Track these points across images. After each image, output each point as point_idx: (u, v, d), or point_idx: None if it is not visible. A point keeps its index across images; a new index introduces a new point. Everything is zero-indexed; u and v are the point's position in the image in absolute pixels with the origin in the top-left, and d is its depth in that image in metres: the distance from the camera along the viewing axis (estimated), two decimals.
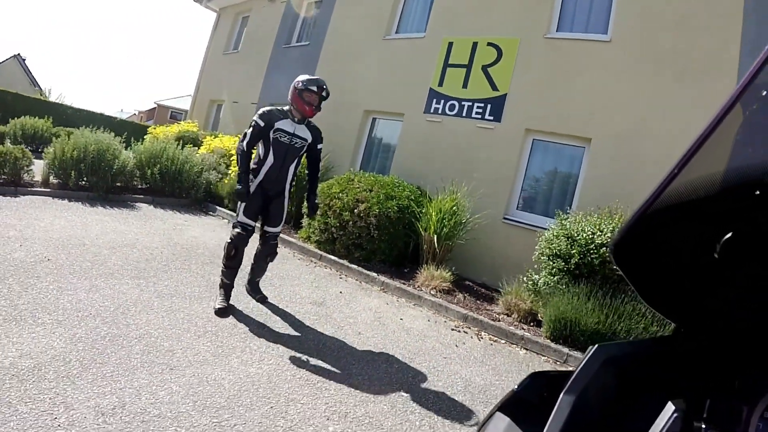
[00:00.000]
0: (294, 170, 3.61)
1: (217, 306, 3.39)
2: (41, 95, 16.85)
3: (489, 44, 6.75)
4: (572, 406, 0.86)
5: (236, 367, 2.63)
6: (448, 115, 7.01)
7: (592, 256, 4.40)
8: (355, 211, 5.68)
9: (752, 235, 0.77)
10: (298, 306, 3.91)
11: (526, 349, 4.11)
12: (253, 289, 3.89)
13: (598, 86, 5.82)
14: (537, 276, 4.90)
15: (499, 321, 4.51)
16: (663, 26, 5.48)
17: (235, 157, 8.32)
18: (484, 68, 6.73)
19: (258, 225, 3.59)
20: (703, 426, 0.79)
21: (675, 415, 0.80)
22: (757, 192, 0.70)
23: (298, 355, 3.00)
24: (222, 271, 3.52)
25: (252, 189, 3.49)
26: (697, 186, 0.74)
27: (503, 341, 4.21)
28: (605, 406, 0.93)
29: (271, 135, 3.44)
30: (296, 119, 3.50)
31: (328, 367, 2.92)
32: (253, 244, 3.75)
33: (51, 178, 6.28)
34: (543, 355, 4.04)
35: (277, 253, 3.76)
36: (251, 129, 3.45)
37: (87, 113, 16.16)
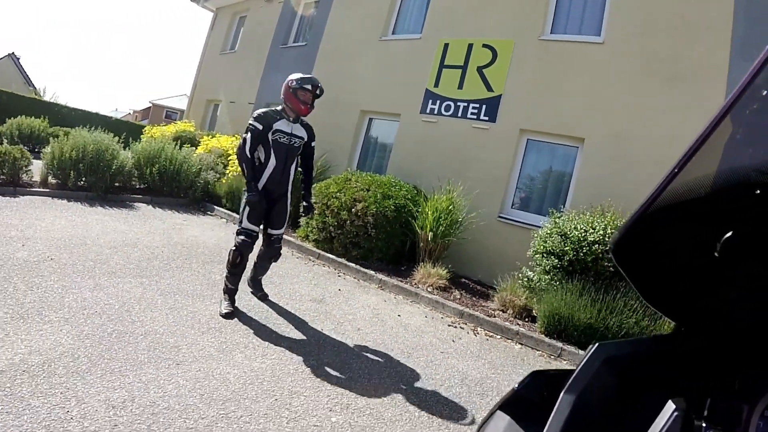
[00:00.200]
0: (294, 170, 3.64)
1: (224, 311, 3.39)
2: (36, 94, 16.78)
3: (484, 46, 6.85)
4: (572, 405, 0.86)
5: (240, 362, 2.71)
6: (444, 115, 7.11)
7: (584, 253, 4.50)
8: (353, 210, 5.76)
9: (752, 234, 0.77)
10: (298, 303, 3.99)
11: (521, 344, 4.21)
12: (255, 287, 3.93)
13: (591, 87, 5.93)
14: (531, 273, 5.00)
15: (494, 317, 4.61)
16: (654, 30, 5.60)
17: (233, 158, 8.40)
18: (480, 69, 6.83)
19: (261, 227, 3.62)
20: (704, 425, 0.79)
21: (675, 414, 0.80)
22: (758, 191, 0.70)
23: (299, 350, 3.08)
24: (226, 276, 3.51)
25: None
26: (697, 185, 0.74)
27: (499, 336, 4.31)
28: (605, 405, 0.93)
29: (270, 137, 3.44)
30: (291, 118, 3.51)
31: (329, 361, 3.01)
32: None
33: (50, 178, 6.32)
34: (537, 350, 4.14)
35: (281, 255, 3.81)
36: (250, 134, 3.40)
37: (82, 113, 16.13)
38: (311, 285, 4.68)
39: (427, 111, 7.31)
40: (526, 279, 5.03)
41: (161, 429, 1.98)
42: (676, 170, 0.72)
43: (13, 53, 23.81)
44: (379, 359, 3.22)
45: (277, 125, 3.46)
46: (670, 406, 0.81)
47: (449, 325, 4.36)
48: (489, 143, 6.58)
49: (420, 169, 7.02)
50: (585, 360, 0.95)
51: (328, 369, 2.89)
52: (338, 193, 5.99)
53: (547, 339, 4.21)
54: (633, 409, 0.92)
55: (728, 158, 0.74)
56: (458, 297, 5.14)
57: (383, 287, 5.16)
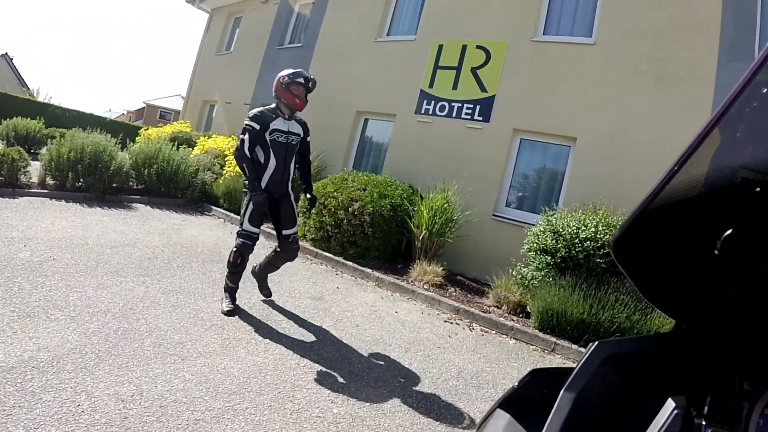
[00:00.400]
0: (294, 168, 3.63)
1: (226, 308, 3.44)
2: (30, 95, 16.73)
3: (478, 47, 6.96)
4: (572, 403, 0.86)
5: (243, 357, 2.79)
6: (439, 115, 7.21)
7: (577, 250, 4.62)
8: (350, 209, 5.85)
9: (752, 232, 0.77)
10: (297, 301, 4.07)
11: (516, 339, 4.32)
12: (262, 285, 3.89)
13: (583, 88, 6.05)
14: (525, 270, 5.11)
15: (489, 313, 4.72)
16: (644, 32, 5.73)
17: (230, 158, 8.46)
18: (473, 70, 6.94)
19: (266, 230, 3.63)
20: (704, 423, 0.79)
21: (675, 411, 0.79)
22: (758, 189, 0.71)
23: (300, 345, 3.17)
24: (227, 275, 3.56)
25: None
26: (697, 183, 0.74)
27: (494, 332, 4.42)
28: (606, 403, 0.93)
29: (268, 137, 3.42)
30: (286, 115, 3.49)
31: (330, 356, 3.10)
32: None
33: (47, 179, 6.35)
34: (532, 345, 4.25)
35: (297, 255, 3.79)
36: (248, 134, 3.37)
37: (76, 113, 16.09)
38: (310, 283, 4.76)
39: (422, 111, 7.41)
40: (520, 276, 5.14)
41: (170, 421, 2.06)
42: (676, 168, 0.71)
43: (6, 54, 23.67)
44: (378, 354, 3.31)
45: (273, 124, 3.43)
46: (670, 404, 0.81)
47: (445, 321, 4.45)
48: (483, 143, 6.69)
49: (415, 169, 7.12)
50: (585, 358, 0.94)
51: (328, 363, 2.98)
52: (335, 193, 6.07)
53: (541, 334, 4.32)
54: (633, 407, 0.92)
55: (728, 156, 0.74)
56: (454, 294, 5.24)
57: (380, 285, 5.25)
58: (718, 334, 0.98)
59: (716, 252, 0.78)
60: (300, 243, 6.08)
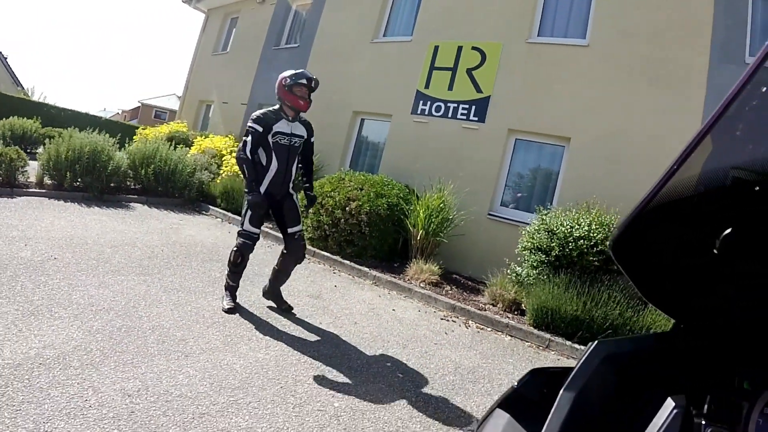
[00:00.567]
0: (295, 169, 3.64)
1: (226, 306, 3.49)
2: (24, 95, 16.65)
3: (473, 48, 7.04)
4: (572, 402, 0.86)
5: (245, 353, 2.85)
6: (435, 116, 7.29)
7: (570, 248, 4.71)
8: (347, 209, 5.91)
9: (751, 231, 0.77)
10: (296, 299, 4.13)
11: (511, 336, 4.40)
12: (276, 299, 3.80)
13: (577, 89, 6.15)
14: (520, 268, 5.20)
15: (485, 310, 4.80)
16: (638, 34, 5.83)
17: (227, 158, 8.50)
18: (469, 71, 7.02)
19: (265, 229, 3.64)
20: (704, 422, 0.79)
21: (675, 411, 0.79)
22: (757, 188, 0.70)
23: (300, 342, 3.24)
24: (227, 274, 3.59)
25: None
26: (695, 182, 0.74)
27: (489, 329, 4.50)
28: (605, 403, 0.92)
29: (270, 139, 3.42)
30: (290, 117, 3.49)
31: (329, 352, 3.16)
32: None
33: (45, 179, 6.37)
34: (527, 341, 4.34)
35: (305, 256, 3.75)
36: (250, 136, 3.37)
37: (71, 113, 16.03)
38: (308, 282, 4.82)
39: (418, 112, 7.49)
40: (514, 274, 5.22)
41: (176, 415, 2.12)
42: (675, 167, 0.71)
43: (0, 53, 23.52)
44: (376, 350, 3.38)
45: (276, 127, 3.43)
46: (669, 404, 0.81)
47: (442, 319, 4.53)
48: (478, 143, 6.77)
49: (412, 169, 7.19)
50: (584, 357, 0.94)
51: (328, 359, 3.04)
52: (332, 192, 6.13)
53: (535, 331, 4.40)
54: (633, 406, 0.92)
55: (727, 155, 0.74)
56: (450, 292, 5.32)
57: (377, 283, 5.32)
58: (717, 333, 0.98)
59: (715, 251, 0.77)
60: None
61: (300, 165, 3.75)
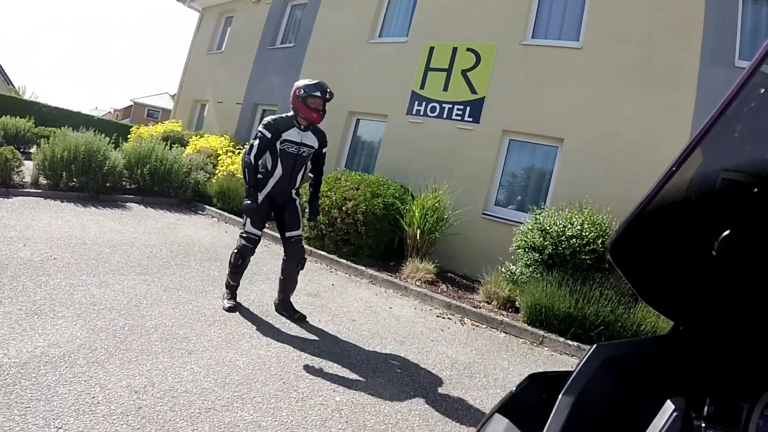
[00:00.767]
0: (301, 177, 3.63)
1: (227, 305, 3.51)
2: (16, 93, 16.49)
3: (468, 50, 7.13)
4: (571, 406, 0.85)
5: (247, 350, 2.91)
6: (430, 116, 7.37)
7: (563, 247, 4.81)
8: (343, 208, 5.98)
9: (750, 233, 0.76)
10: (295, 297, 4.14)
11: (506, 333, 4.50)
12: (288, 309, 3.72)
13: (570, 90, 6.26)
14: (514, 266, 5.30)
15: (480, 308, 4.89)
16: (630, 37, 5.95)
17: (222, 158, 8.52)
18: (464, 72, 7.11)
19: (276, 232, 3.58)
20: (703, 425, 0.78)
21: (675, 413, 0.79)
22: (756, 189, 0.70)
23: (300, 339, 3.30)
24: (228, 273, 3.61)
25: (259, 200, 3.45)
26: (694, 184, 0.73)
27: (484, 326, 4.59)
28: (604, 406, 0.92)
29: (278, 146, 3.41)
30: (302, 126, 3.45)
31: (329, 349, 3.23)
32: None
33: (41, 179, 6.35)
34: (521, 338, 4.44)
35: (306, 260, 3.74)
36: (258, 141, 3.37)
37: (63, 111, 15.93)
38: (305, 280, 4.86)
39: (414, 112, 7.56)
40: (509, 272, 5.32)
41: (183, 409, 2.17)
42: (673, 168, 0.70)
43: None
44: (375, 347, 3.46)
45: (286, 134, 3.40)
46: (669, 406, 0.81)
47: (438, 316, 4.62)
48: (473, 143, 6.86)
49: (407, 169, 7.26)
50: (583, 361, 0.94)
51: (328, 355, 3.11)
52: (329, 192, 6.19)
53: (529, 327, 4.50)
54: (632, 409, 0.91)
55: (726, 156, 0.74)
56: (445, 290, 5.41)
57: (374, 282, 5.39)
58: (716, 335, 0.98)
59: (714, 253, 0.77)
60: None
61: (311, 174, 3.72)
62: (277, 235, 6.28)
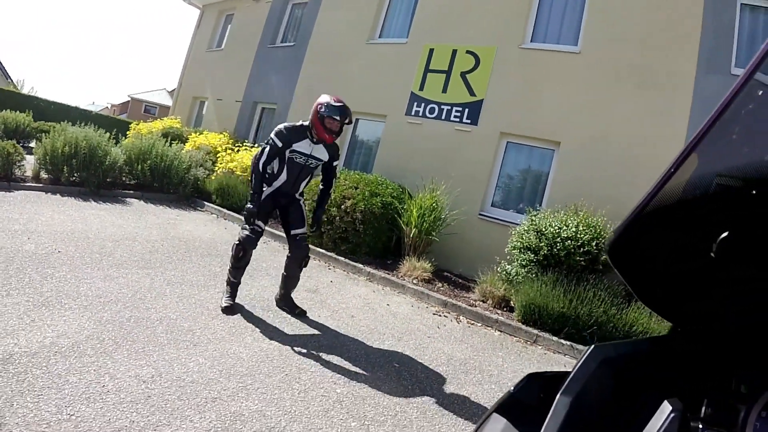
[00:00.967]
0: (305, 184, 3.68)
1: (224, 304, 3.46)
2: (14, 88, 16.44)
3: (467, 52, 7.23)
4: (569, 406, 0.86)
5: (250, 343, 3.00)
6: (428, 117, 7.47)
7: (558, 248, 4.92)
8: (342, 207, 6.06)
9: (748, 234, 0.77)
10: (294, 293, 4.24)
11: (500, 331, 4.60)
12: (289, 305, 3.79)
13: (568, 94, 6.37)
14: (509, 266, 5.40)
15: (475, 306, 4.99)
16: (627, 41, 6.07)
17: (222, 155, 8.58)
18: (463, 74, 7.21)
19: (275, 230, 3.66)
20: (700, 426, 0.79)
21: (672, 414, 0.79)
22: (754, 191, 0.70)
23: (301, 333, 3.39)
24: (229, 270, 3.58)
25: (263, 196, 3.50)
26: (693, 185, 0.73)
27: (479, 324, 4.70)
28: (602, 407, 0.92)
29: (287, 154, 3.45)
30: (315, 139, 3.46)
31: (329, 343, 3.32)
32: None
33: (42, 173, 6.40)
34: (515, 336, 4.54)
35: (309, 257, 3.76)
36: (268, 148, 3.41)
37: (61, 106, 15.91)
38: (305, 277, 4.89)
39: (413, 113, 7.66)
40: (504, 272, 5.42)
41: (190, 399, 2.25)
42: (672, 170, 0.70)
43: None
44: (374, 342, 3.55)
45: (297, 145, 3.43)
46: (666, 407, 0.81)
47: (434, 314, 4.71)
48: (471, 145, 6.97)
49: (405, 169, 7.36)
50: (581, 361, 0.94)
51: (328, 350, 3.20)
52: None
53: (523, 326, 4.61)
54: (630, 410, 0.92)
55: (724, 158, 0.74)
56: (442, 288, 5.51)
57: (371, 279, 5.48)
58: (714, 337, 0.98)
59: (712, 254, 0.77)
60: None
61: (321, 186, 3.76)
62: (277, 232, 6.43)
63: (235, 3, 11.95)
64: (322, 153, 3.55)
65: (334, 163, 3.66)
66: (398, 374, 3.06)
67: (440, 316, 4.70)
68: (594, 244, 4.91)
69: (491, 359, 3.79)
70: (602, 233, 5.01)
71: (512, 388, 1.03)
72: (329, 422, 2.33)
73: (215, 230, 6.22)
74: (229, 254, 3.70)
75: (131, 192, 7.07)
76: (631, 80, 5.98)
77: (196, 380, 2.42)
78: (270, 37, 10.66)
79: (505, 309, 5.13)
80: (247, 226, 3.51)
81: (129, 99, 35.98)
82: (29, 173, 6.34)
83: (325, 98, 3.40)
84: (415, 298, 5.13)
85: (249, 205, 3.41)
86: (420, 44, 7.81)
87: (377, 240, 6.23)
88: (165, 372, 2.44)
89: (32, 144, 9.39)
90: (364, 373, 2.96)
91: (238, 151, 8.66)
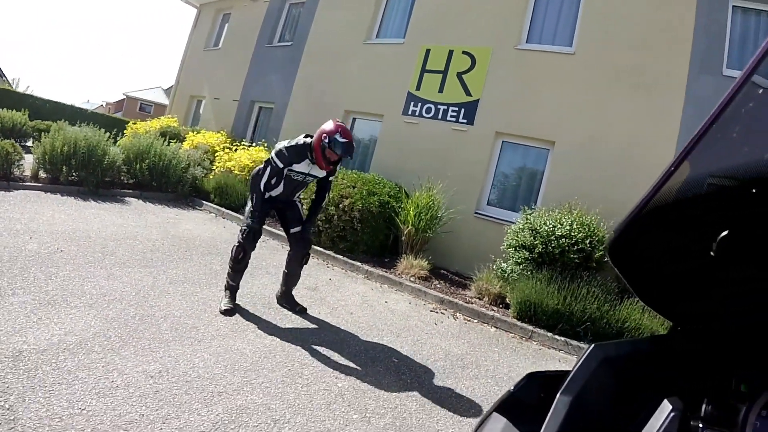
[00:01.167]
0: (299, 195, 3.83)
1: (224, 307, 3.43)
2: (8, 86, 16.36)
3: (464, 53, 7.32)
4: (569, 406, 0.86)
5: (253, 340, 3.07)
6: (425, 117, 7.55)
7: (553, 246, 5.02)
8: (340, 206, 6.14)
9: (748, 234, 0.76)
10: (294, 290, 4.34)
11: (496, 327, 4.70)
12: (289, 302, 3.85)
13: (563, 94, 6.48)
14: (505, 264, 5.50)
15: (471, 303, 5.09)
16: (622, 43, 6.19)
17: (219, 154, 8.62)
18: (459, 75, 7.30)
19: (274, 229, 3.74)
20: (700, 425, 0.79)
21: (672, 414, 0.79)
22: (754, 190, 0.70)
23: (303, 330, 3.47)
24: (228, 273, 3.57)
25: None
26: (692, 185, 0.73)
27: (476, 321, 4.79)
28: (602, 406, 0.92)
29: (285, 171, 3.54)
30: (313, 159, 3.48)
31: (330, 339, 3.40)
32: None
33: (40, 172, 6.42)
34: (510, 332, 4.64)
35: (309, 255, 3.85)
36: (269, 169, 3.49)
37: (55, 105, 15.84)
38: (304, 275, 4.92)
39: (409, 113, 7.74)
40: (500, 270, 5.52)
41: (197, 393, 2.33)
42: (672, 169, 0.70)
43: None
44: (372, 338, 3.63)
45: (296, 166, 3.50)
46: (666, 406, 0.81)
47: (431, 311, 4.81)
48: (467, 144, 7.06)
49: (402, 168, 7.44)
50: (581, 361, 0.94)
51: (329, 345, 3.28)
52: None
53: (519, 323, 4.71)
54: (630, 409, 0.92)
55: (724, 157, 0.73)
56: (438, 286, 5.60)
57: (369, 277, 5.56)
58: (714, 336, 0.98)
59: (712, 254, 0.77)
60: None
61: (314, 197, 3.84)
62: (276, 231, 6.49)
63: (232, 2, 11.97)
64: (319, 171, 3.60)
65: (330, 179, 3.74)
66: (397, 369, 3.15)
67: (437, 313, 4.80)
68: (588, 242, 5.01)
69: (487, 355, 3.88)
70: (596, 231, 5.12)
71: (512, 388, 1.03)
72: (332, 415, 2.42)
73: (214, 229, 6.28)
74: (229, 253, 3.73)
75: (130, 191, 7.10)
76: (624, 81, 6.09)
77: (202, 375, 2.50)
78: (267, 37, 10.69)
79: (500, 306, 5.23)
80: (246, 228, 3.57)
81: (124, 97, 35.82)
82: (28, 173, 6.36)
83: (329, 126, 3.37)
84: (413, 295, 5.21)
85: (249, 221, 3.51)
86: (417, 45, 7.89)
87: (375, 238, 6.32)
88: (171, 367, 2.51)
89: (29, 143, 9.40)
90: (365, 367, 3.05)
91: (236, 150, 8.70)
